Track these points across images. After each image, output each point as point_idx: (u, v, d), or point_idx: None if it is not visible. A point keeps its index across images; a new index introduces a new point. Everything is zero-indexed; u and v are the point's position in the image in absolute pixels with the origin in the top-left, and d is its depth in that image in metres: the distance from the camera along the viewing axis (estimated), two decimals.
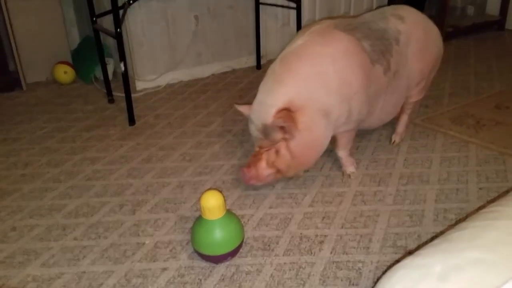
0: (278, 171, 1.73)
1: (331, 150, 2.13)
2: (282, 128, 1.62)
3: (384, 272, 1.07)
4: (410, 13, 1.99)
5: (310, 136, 1.68)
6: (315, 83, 1.67)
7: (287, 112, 1.63)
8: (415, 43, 1.92)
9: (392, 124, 2.37)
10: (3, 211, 1.78)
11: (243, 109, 1.82)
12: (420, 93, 2.09)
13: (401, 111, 2.14)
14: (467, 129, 2.26)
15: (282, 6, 3.18)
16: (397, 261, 0.88)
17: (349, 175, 1.92)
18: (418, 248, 0.89)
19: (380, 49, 1.80)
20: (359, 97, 1.73)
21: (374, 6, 3.91)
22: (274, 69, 1.73)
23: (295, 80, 1.66)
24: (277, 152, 1.69)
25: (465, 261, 0.79)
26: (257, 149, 1.75)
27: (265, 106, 1.66)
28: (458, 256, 0.80)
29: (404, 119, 2.17)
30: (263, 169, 1.71)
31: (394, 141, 2.17)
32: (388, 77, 1.85)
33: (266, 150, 1.71)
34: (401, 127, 2.18)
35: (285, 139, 1.66)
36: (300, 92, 1.65)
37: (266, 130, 1.66)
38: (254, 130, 1.72)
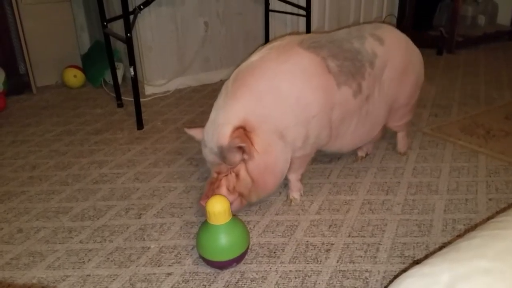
0: (241, 196, 1.58)
1: (338, 157, 2.13)
2: (240, 148, 1.47)
3: (390, 282, 1.05)
4: (390, 35, 1.85)
5: (268, 159, 1.54)
6: (270, 102, 1.54)
7: (243, 131, 1.50)
8: (392, 69, 1.80)
9: None
10: (10, 212, 1.78)
11: (194, 132, 1.67)
12: (401, 118, 1.99)
13: (397, 131, 2.08)
14: (476, 139, 2.24)
15: (292, 14, 3.19)
16: (404, 271, 0.87)
17: (291, 200, 1.80)
18: (426, 258, 0.87)
19: (350, 70, 1.67)
20: (317, 122, 1.61)
21: (384, 14, 3.91)
22: (227, 85, 1.59)
23: (249, 96, 1.53)
24: (237, 175, 1.55)
25: (473, 270, 0.78)
26: (214, 175, 1.58)
27: (219, 126, 1.51)
28: (466, 265, 0.79)
29: (401, 135, 2.10)
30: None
31: (400, 152, 2.13)
32: (360, 100, 1.72)
33: (225, 175, 1.55)
34: (401, 141, 2.12)
35: (244, 161, 1.53)
36: (255, 110, 1.52)
37: (223, 153, 1.49)
38: (209, 154, 1.57)
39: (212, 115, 1.58)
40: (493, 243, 0.84)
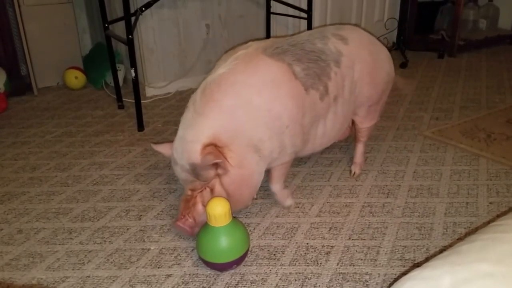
0: None
1: (339, 160, 2.12)
2: (214, 164, 1.43)
3: (391, 285, 1.05)
4: (354, 34, 1.81)
5: (244, 172, 1.51)
6: (241, 116, 1.49)
7: (214, 147, 1.44)
8: (362, 66, 1.76)
9: (402, 136, 2.36)
10: (10, 213, 1.78)
11: (162, 148, 1.62)
12: (372, 119, 1.94)
13: (356, 140, 2.00)
14: (478, 143, 2.24)
15: (293, 16, 3.19)
16: (405, 274, 0.86)
17: (288, 208, 1.78)
18: (427, 261, 0.87)
19: (315, 72, 1.62)
20: (291, 131, 1.57)
21: (386, 17, 3.92)
22: (195, 100, 1.53)
23: (218, 112, 1.48)
24: (212, 190, 1.50)
25: (474, 274, 0.77)
26: (188, 192, 1.53)
27: (188, 143, 1.47)
28: (467, 269, 0.79)
29: (360, 148, 2.01)
30: (201, 214, 1.49)
31: (354, 172, 2.00)
32: (327, 102, 1.68)
33: (200, 192, 1.51)
34: (358, 157, 2.02)
35: (218, 176, 1.49)
36: (225, 126, 1.47)
37: (196, 170, 1.46)
38: (181, 172, 1.52)
39: (180, 132, 1.52)
40: (494, 246, 0.84)
